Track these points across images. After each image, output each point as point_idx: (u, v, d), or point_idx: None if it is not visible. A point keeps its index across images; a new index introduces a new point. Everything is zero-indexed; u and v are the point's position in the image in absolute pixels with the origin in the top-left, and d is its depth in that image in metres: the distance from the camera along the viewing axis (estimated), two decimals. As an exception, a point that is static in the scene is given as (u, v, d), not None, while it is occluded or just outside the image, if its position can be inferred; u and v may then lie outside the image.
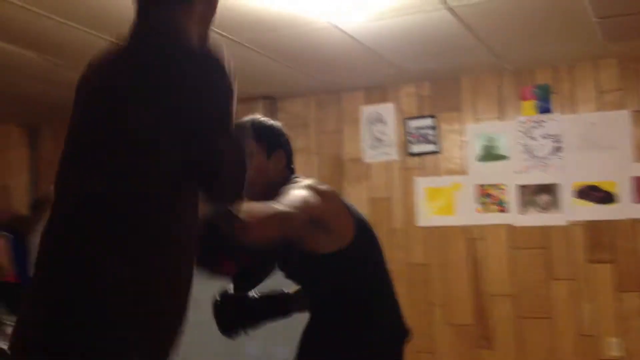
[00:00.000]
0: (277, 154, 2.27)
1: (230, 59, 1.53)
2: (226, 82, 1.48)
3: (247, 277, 2.09)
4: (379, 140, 4.91)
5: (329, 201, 2.05)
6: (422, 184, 4.73)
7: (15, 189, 6.26)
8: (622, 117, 4.26)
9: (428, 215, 4.73)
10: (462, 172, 4.67)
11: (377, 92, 4.96)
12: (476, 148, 4.63)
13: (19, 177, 6.29)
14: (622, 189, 4.23)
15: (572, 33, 3.76)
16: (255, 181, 2.08)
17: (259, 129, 2.27)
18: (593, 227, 4.30)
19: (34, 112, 5.73)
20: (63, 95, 4.97)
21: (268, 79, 4.65)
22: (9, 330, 4.56)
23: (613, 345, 4.17)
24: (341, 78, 4.70)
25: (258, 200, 1.92)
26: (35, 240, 6.17)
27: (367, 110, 4.97)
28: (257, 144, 2.22)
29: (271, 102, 5.27)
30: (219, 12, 3.37)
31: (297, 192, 1.99)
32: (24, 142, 6.33)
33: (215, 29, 3.57)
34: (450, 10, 3.33)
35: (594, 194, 4.31)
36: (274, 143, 2.29)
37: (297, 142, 5.21)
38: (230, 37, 3.70)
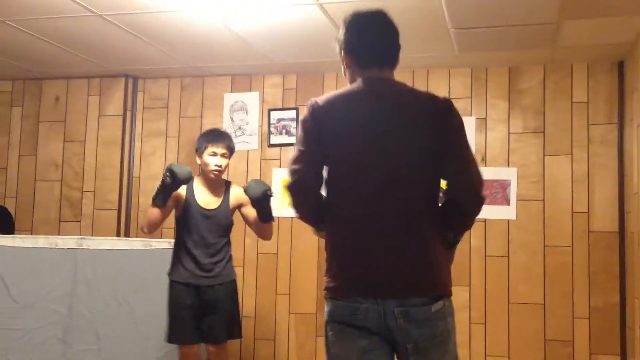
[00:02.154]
0: None
1: None
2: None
3: None
4: (241, 128, 4.92)
5: None
6: (280, 175, 4.79)
7: None
8: (468, 123, 4.52)
9: (283, 206, 4.80)
10: (319, 165, 4.80)
11: (242, 80, 4.97)
12: (334, 143, 4.78)
13: None
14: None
15: (431, 40, 4.00)
16: None
17: None
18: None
19: None
20: None
21: (131, 56, 4.51)
22: None
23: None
24: (207, 63, 4.66)
25: None
26: None
27: (231, 98, 4.97)
28: None
29: (133, 81, 5.11)
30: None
31: None
32: None
33: (78, 0, 3.42)
34: (320, 6, 3.43)
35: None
36: None
37: (157, 125, 5.13)
38: (93, 10, 3.55)
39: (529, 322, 4.41)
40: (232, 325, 3.53)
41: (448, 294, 2.04)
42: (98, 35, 4.01)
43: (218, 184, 3.62)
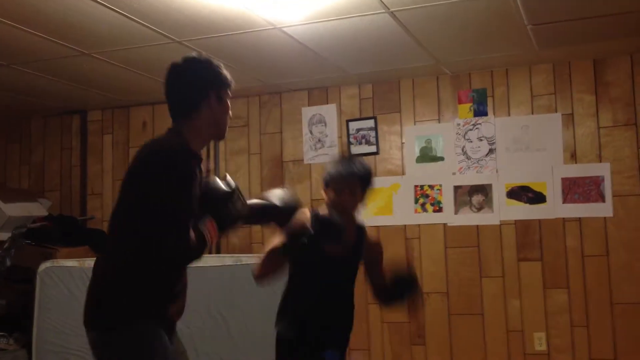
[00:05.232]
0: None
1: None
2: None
3: None
4: (320, 141, 4.95)
5: None
6: (363, 185, 4.79)
7: None
8: (553, 120, 4.44)
9: (367, 215, 4.78)
10: (400, 172, 4.77)
11: (319, 93, 5.00)
12: (414, 149, 4.74)
13: None
14: (552, 189, 4.41)
15: (507, 39, 3.89)
16: None
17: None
18: (523, 226, 4.47)
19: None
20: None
21: (209, 79, 4.62)
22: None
23: (539, 340, 4.35)
24: (283, 79, 4.72)
25: None
26: None
27: (309, 112, 5.01)
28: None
29: (212, 103, 5.24)
30: (163, 11, 3.35)
31: None
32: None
33: (157, 29, 3.54)
34: (391, 14, 3.40)
35: (525, 194, 4.47)
36: None
37: (239, 143, 5.23)
38: (172, 37, 3.68)
39: (636, 323, 4.19)
40: None
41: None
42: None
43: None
